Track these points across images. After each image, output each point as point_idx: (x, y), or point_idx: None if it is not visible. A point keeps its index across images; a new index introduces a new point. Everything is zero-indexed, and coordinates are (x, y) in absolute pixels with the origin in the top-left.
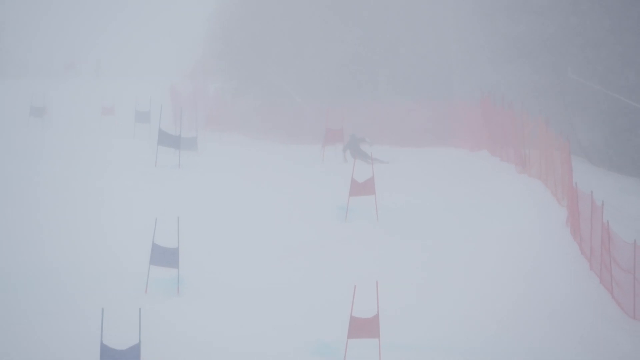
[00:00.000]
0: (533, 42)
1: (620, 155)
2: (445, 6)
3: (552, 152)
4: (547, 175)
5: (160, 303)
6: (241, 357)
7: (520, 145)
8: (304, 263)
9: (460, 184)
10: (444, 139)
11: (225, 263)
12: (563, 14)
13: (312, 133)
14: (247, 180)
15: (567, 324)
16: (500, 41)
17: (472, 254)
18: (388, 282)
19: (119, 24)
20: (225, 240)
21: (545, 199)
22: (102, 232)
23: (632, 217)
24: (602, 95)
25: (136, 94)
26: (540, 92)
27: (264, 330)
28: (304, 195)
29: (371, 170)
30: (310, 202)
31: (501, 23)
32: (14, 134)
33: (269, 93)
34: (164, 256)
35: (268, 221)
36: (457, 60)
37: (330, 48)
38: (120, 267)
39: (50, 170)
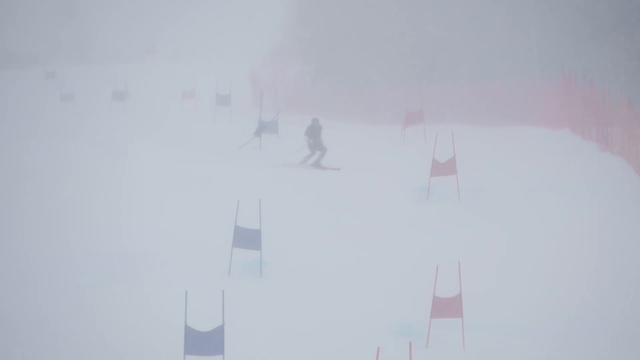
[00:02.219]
0: (613, 19)
1: None
2: None
3: (635, 130)
4: (630, 152)
5: (243, 285)
6: (323, 339)
7: (602, 123)
8: (386, 244)
9: (542, 163)
10: (525, 118)
11: (307, 245)
12: None
13: (391, 114)
14: (327, 160)
15: None
16: (580, 19)
17: (554, 234)
18: (470, 263)
19: (198, 8)
20: (306, 222)
21: (628, 176)
22: (186, 215)
23: None
24: None
25: (216, 77)
26: (622, 70)
27: (347, 313)
28: (385, 176)
29: (452, 150)
30: (392, 182)
31: (581, 1)
32: (97, 118)
33: (348, 75)
34: (247, 238)
35: (349, 202)
36: (537, 39)
37: (409, 29)
38: (203, 249)
39: (133, 154)
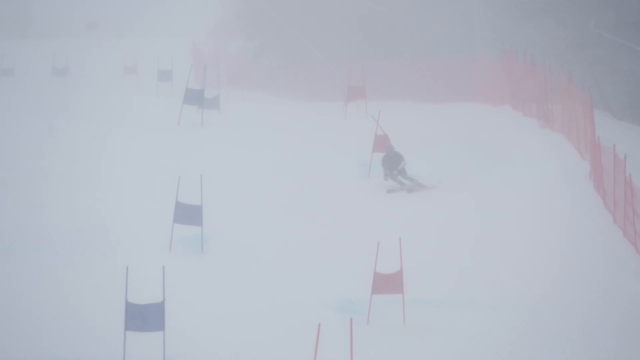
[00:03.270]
0: None
1: None
2: None
3: (575, 107)
4: (570, 129)
5: (184, 261)
6: (264, 316)
7: (543, 100)
8: (327, 220)
9: (483, 139)
10: (466, 95)
11: (248, 221)
12: None
13: (334, 90)
14: (269, 138)
15: (590, 277)
16: None
17: (494, 208)
18: (411, 239)
19: None
20: (247, 198)
21: (568, 153)
22: (126, 190)
23: None
24: (625, 48)
25: (158, 53)
26: (562, 46)
27: (288, 288)
28: (327, 152)
29: (389, 126)
30: (333, 159)
31: None
32: (38, 94)
33: (291, 51)
34: (188, 214)
35: (291, 178)
36: (478, 16)
37: (351, 5)
38: (144, 225)
39: (73, 129)
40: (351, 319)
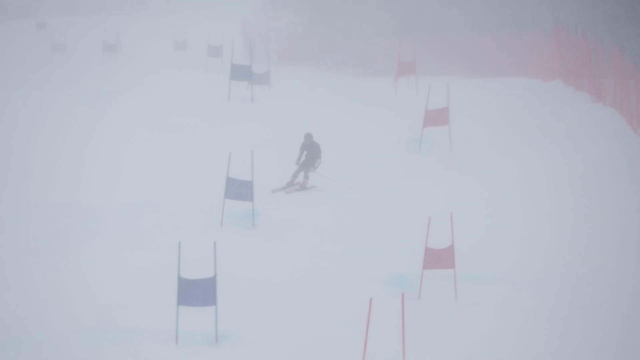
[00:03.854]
0: None
1: None
2: None
3: (627, 81)
4: (622, 104)
5: (235, 236)
6: (315, 290)
7: (594, 74)
8: (378, 196)
9: (534, 114)
10: (517, 70)
11: (300, 196)
12: None
13: (384, 66)
14: (319, 113)
15: None
16: None
17: (546, 185)
18: (463, 214)
19: None
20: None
21: (620, 127)
22: (177, 166)
23: None
24: None
25: (208, 28)
26: (615, 20)
27: (339, 263)
28: (377, 127)
29: (446, 101)
30: (383, 134)
31: None
32: (89, 70)
33: (341, 26)
34: (239, 190)
35: (341, 153)
36: None
37: None
38: (195, 201)
39: (124, 105)
40: (403, 294)
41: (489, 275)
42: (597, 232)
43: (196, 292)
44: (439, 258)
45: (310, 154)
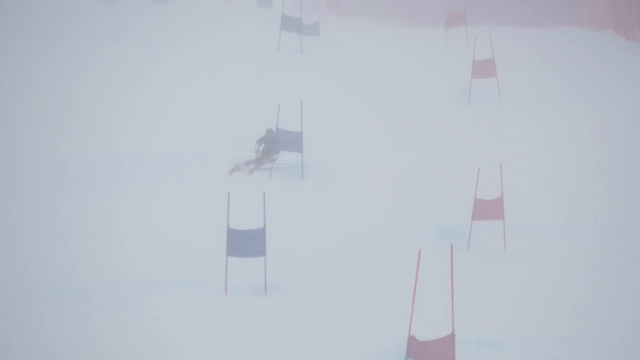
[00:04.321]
0: None
1: None
2: None
3: None
4: None
5: (285, 187)
6: (364, 241)
7: None
8: (428, 147)
9: (585, 65)
10: (568, 19)
11: (350, 147)
12: None
13: (433, 16)
14: (369, 64)
15: None
16: None
17: (597, 136)
18: (512, 165)
19: None
20: (348, 124)
21: None
22: (226, 117)
23: None
24: None
25: None
26: None
27: (388, 215)
28: (427, 78)
29: (491, 51)
30: (433, 85)
31: None
32: (139, 20)
33: None
34: (288, 141)
35: (392, 104)
36: None
37: None
38: (245, 152)
39: (173, 57)
40: (452, 245)
41: (539, 226)
42: None
43: (245, 243)
44: (488, 209)
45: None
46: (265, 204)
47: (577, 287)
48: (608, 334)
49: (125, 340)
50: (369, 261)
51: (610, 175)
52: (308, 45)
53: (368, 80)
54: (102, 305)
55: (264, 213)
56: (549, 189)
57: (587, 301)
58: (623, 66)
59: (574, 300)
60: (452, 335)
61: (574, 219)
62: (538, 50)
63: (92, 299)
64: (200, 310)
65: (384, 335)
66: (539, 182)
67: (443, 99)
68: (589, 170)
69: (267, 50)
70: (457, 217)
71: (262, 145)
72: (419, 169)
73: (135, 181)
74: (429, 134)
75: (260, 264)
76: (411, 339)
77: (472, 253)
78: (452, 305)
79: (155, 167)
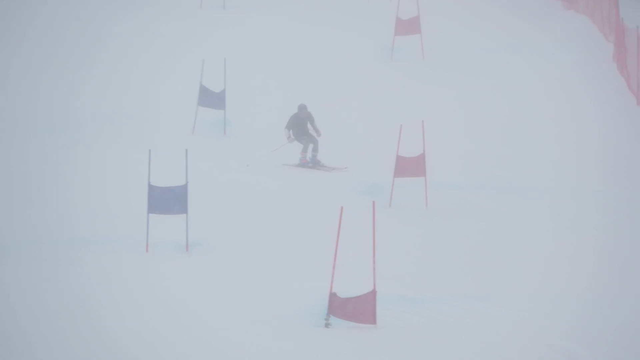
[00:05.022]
0: None
1: None
2: None
3: None
4: (594, 11)
5: (207, 144)
6: (288, 199)
7: None
8: (350, 103)
9: (507, 22)
10: None
11: (270, 103)
12: None
13: None
14: (291, 18)
15: (615, 158)
16: None
17: (518, 89)
18: (434, 122)
19: None
20: (270, 79)
21: (592, 34)
22: (149, 72)
23: None
24: None
25: None
26: None
27: (310, 171)
28: (349, 36)
29: (417, 9)
30: (355, 41)
31: None
32: None
33: None
34: (211, 98)
35: (312, 58)
36: None
37: None
38: (167, 109)
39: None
40: (374, 202)
41: (460, 184)
42: (572, 139)
43: (167, 200)
44: (410, 166)
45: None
46: (187, 160)
47: (498, 244)
48: (527, 289)
49: (48, 297)
50: (292, 219)
51: (531, 132)
52: (231, 2)
53: (290, 34)
54: (24, 263)
55: (186, 170)
56: (470, 147)
57: (508, 257)
58: (545, 22)
59: (495, 256)
60: (374, 292)
61: (496, 177)
62: (461, 7)
63: (13, 255)
64: (121, 267)
65: (306, 292)
66: (460, 139)
67: (366, 55)
68: (511, 127)
69: (190, 5)
70: (381, 175)
71: (291, 131)
72: (343, 124)
73: (72, 137)
74: (353, 90)
75: (182, 221)
76: (332, 296)
77: (394, 210)
78: (374, 262)
79: (85, 124)
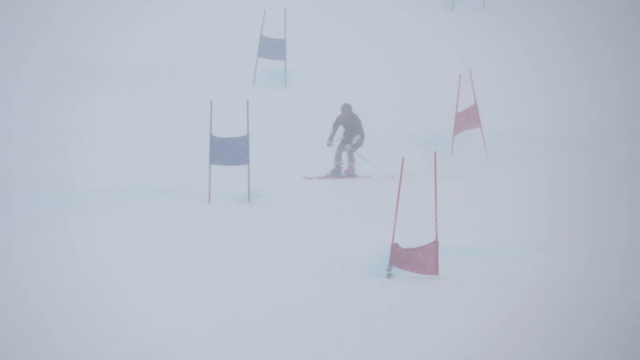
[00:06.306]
0: None
1: None
2: None
3: None
4: None
5: (267, 95)
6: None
7: None
8: (410, 54)
9: None
10: None
11: (332, 53)
12: None
13: None
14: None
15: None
16: None
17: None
18: (489, 73)
19: None
20: (332, 33)
21: None
22: (209, 25)
23: None
24: None
25: None
26: None
27: (372, 122)
28: None
29: None
30: None
31: None
32: None
33: None
34: (272, 48)
35: (371, 15)
36: None
37: None
38: (228, 59)
39: None
40: (435, 152)
41: (514, 131)
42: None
43: (229, 151)
44: (466, 119)
45: (349, 130)
46: (249, 111)
47: (559, 195)
48: (588, 240)
49: (109, 245)
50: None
51: (573, 83)
52: None
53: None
54: (87, 212)
55: (247, 121)
56: (520, 97)
57: (569, 208)
58: None
59: (556, 207)
60: (436, 242)
61: (545, 125)
62: None
63: (76, 206)
64: (183, 217)
65: (367, 243)
66: (516, 89)
67: (426, 3)
68: (562, 77)
69: None
70: (441, 124)
71: (338, 129)
72: (403, 75)
73: (129, 92)
74: (413, 41)
75: (244, 172)
76: (394, 247)
77: (455, 160)
78: (436, 212)
79: (146, 75)
